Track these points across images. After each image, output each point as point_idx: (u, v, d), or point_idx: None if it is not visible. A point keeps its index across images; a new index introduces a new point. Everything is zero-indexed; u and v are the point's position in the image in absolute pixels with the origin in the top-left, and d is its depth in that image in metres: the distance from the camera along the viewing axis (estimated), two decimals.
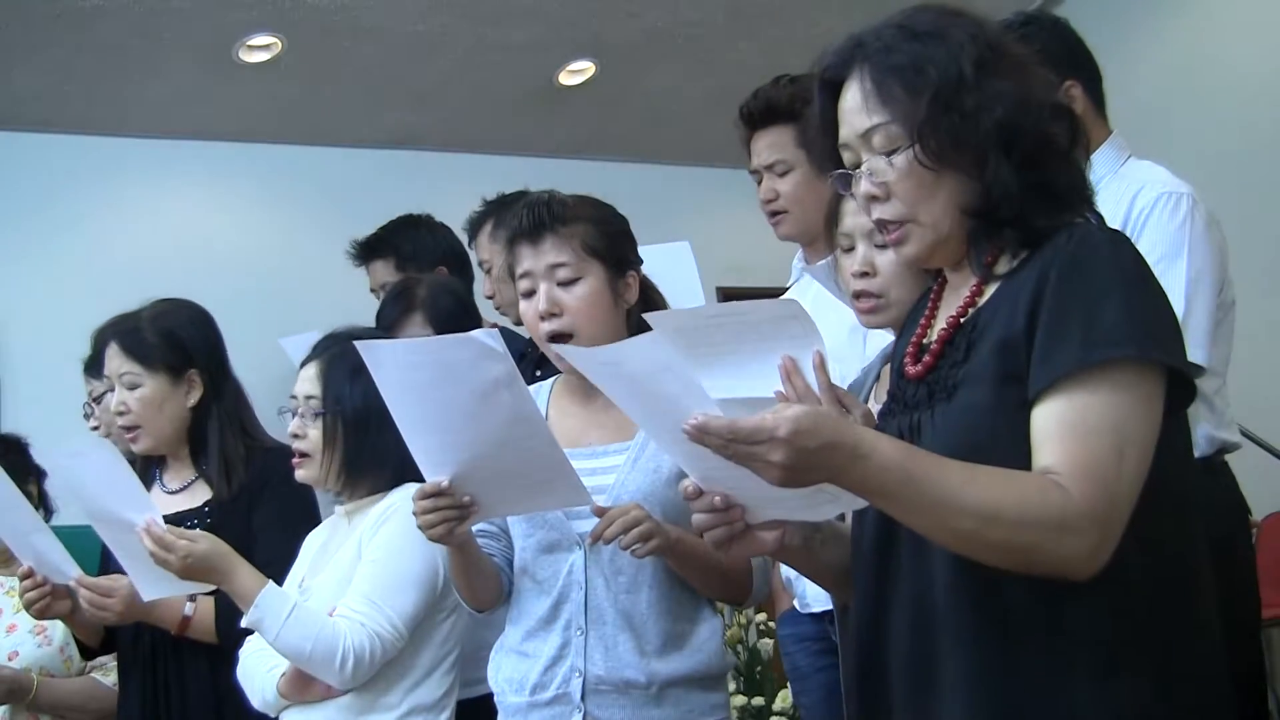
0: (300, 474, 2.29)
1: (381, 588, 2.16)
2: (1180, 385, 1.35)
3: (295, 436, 2.28)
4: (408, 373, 1.80)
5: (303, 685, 2.17)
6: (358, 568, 2.19)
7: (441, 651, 2.24)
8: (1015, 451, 1.32)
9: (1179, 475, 1.38)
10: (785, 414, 1.23)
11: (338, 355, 2.27)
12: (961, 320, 1.46)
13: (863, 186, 1.46)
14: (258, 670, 2.23)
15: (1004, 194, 1.39)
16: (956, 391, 1.40)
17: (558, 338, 2.05)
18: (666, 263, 2.56)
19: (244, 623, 2.16)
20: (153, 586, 2.25)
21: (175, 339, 2.62)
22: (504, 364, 1.74)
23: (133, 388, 2.59)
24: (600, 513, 1.91)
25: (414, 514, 1.90)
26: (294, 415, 2.29)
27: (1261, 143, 4.58)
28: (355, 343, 1.87)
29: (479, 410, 1.77)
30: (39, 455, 3.22)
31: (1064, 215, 1.42)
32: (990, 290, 1.44)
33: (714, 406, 1.27)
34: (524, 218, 2.09)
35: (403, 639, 2.16)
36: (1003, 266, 1.44)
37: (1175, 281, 2.17)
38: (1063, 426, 1.30)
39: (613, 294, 2.10)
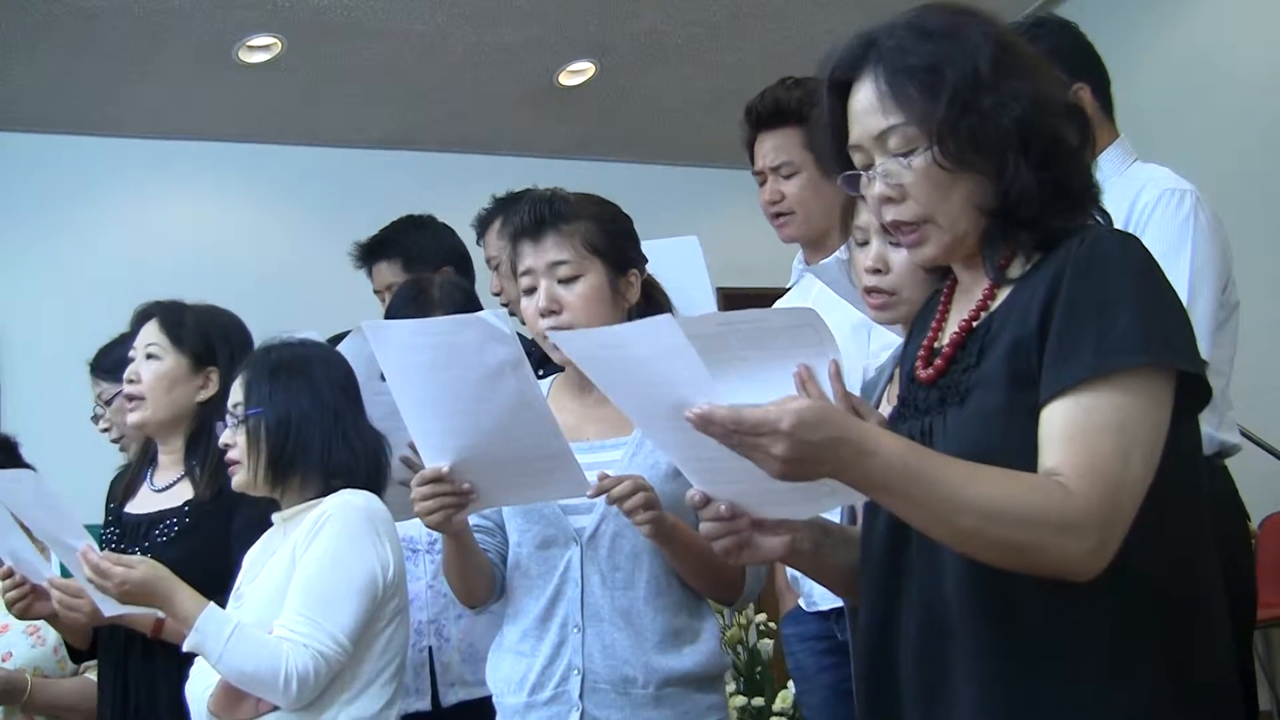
0: (234, 482, 2.29)
1: (320, 602, 2.12)
2: (1193, 388, 1.35)
3: (227, 446, 2.28)
4: (412, 354, 1.79)
5: (231, 704, 2.14)
6: (293, 580, 2.16)
7: (381, 662, 2.19)
8: (1027, 456, 1.31)
9: (1190, 477, 1.37)
10: (789, 407, 1.23)
11: (259, 362, 2.29)
12: (974, 324, 1.45)
13: (877, 188, 1.44)
14: (196, 690, 2.21)
15: (1023, 194, 1.38)
16: (969, 396, 1.39)
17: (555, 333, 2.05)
18: (674, 257, 2.55)
19: (185, 647, 2.13)
20: (111, 605, 2.25)
21: (208, 334, 2.64)
22: (510, 346, 1.74)
23: (152, 359, 2.61)
24: (603, 479, 1.90)
25: (412, 500, 1.89)
26: (226, 428, 2.29)
27: (1264, 143, 4.58)
28: (362, 324, 1.87)
29: (483, 394, 1.76)
30: (36, 454, 3.22)
31: (1077, 216, 1.41)
32: (1003, 294, 1.43)
33: (719, 396, 1.26)
34: (526, 215, 2.09)
35: (347, 653, 2.12)
36: (1016, 270, 1.43)
37: (1178, 276, 2.17)
38: (1069, 428, 1.29)
39: (613, 292, 2.10)
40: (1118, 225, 2.18)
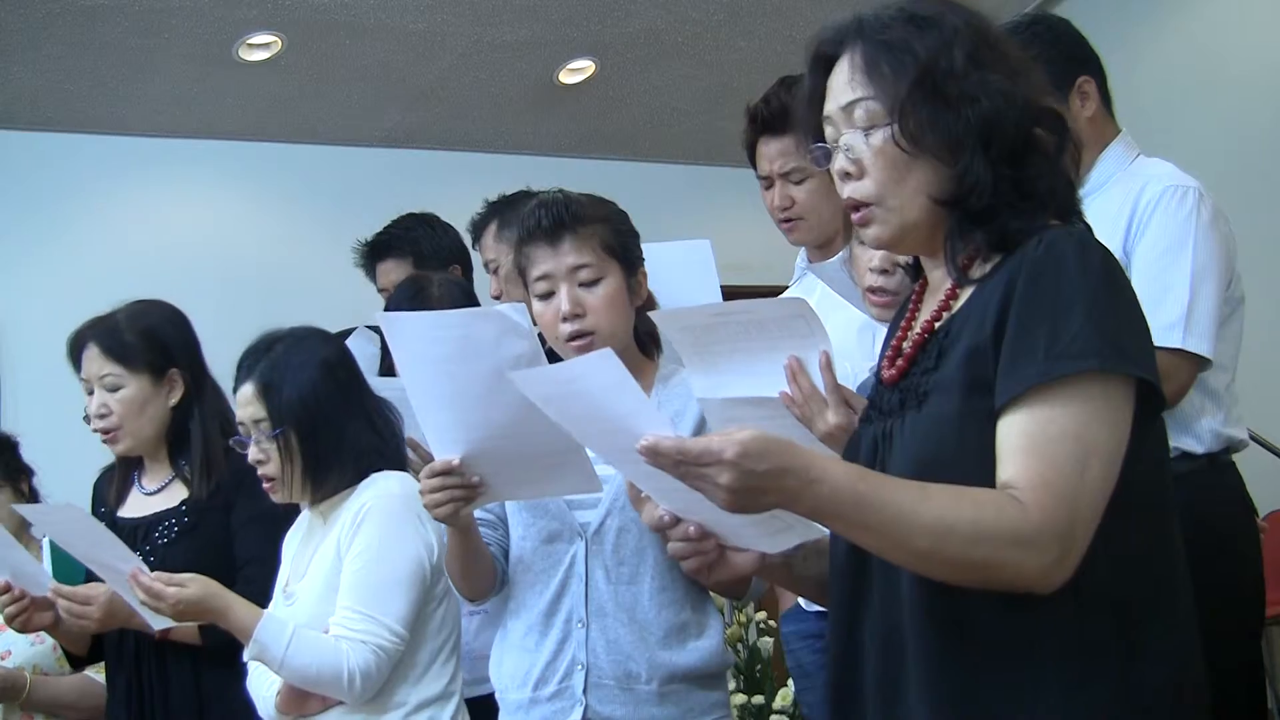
0: (276, 498, 2.28)
1: (372, 596, 2.14)
2: (1150, 395, 1.33)
3: (259, 463, 2.25)
4: (428, 347, 1.79)
5: (299, 701, 2.16)
6: (342, 575, 2.17)
7: (438, 641, 2.23)
8: (981, 462, 1.30)
9: (1152, 484, 1.35)
10: (734, 437, 1.22)
11: (267, 367, 2.26)
12: (936, 326, 1.44)
13: (838, 162, 1.45)
14: (260, 686, 2.23)
15: (974, 185, 1.37)
16: (926, 399, 1.38)
17: (579, 338, 2.04)
18: (686, 260, 2.55)
19: (246, 657, 2.16)
20: (161, 619, 2.25)
21: (156, 338, 2.58)
22: (528, 341, 1.75)
23: (114, 389, 2.55)
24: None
25: (421, 492, 1.89)
26: (248, 443, 2.26)
27: (1263, 142, 4.58)
28: (379, 315, 1.87)
29: (497, 387, 1.76)
30: (36, 454, 3.22)
31: (1039, 217, 1.39)
32: (965, 295, 1.42)
33: (666, 426, 1.25)
34: (541, 218, 2.06)
35: (404, 641, 2.15)
36: (977, 271, 1.42)
37: (1180, 273, 2.17)
38: (1024, 439, 1.28)
39: (629, 293, 2.10)
40: (1121, 220, 2.21)
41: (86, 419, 3.14)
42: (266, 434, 2.23)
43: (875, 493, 1.25)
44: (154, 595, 2.14)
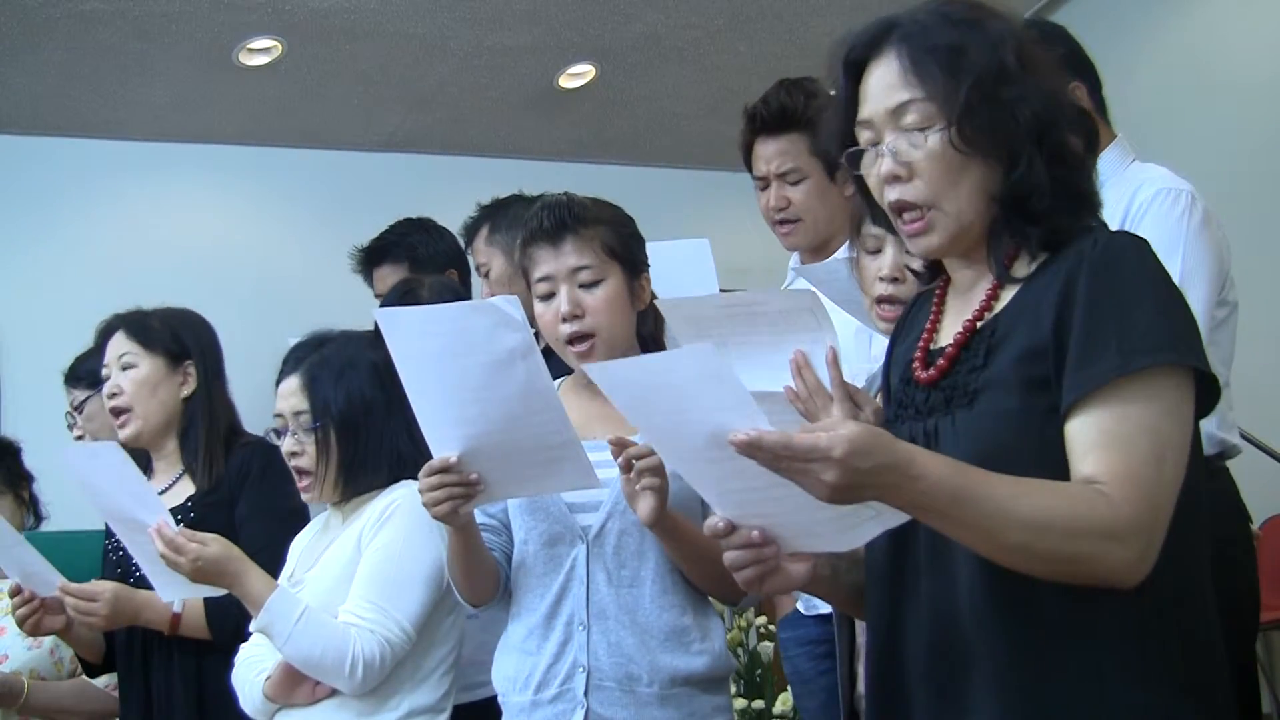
0: (306, 496, 2.28)
1: (387, 589, 2.14)
2: (1204, 390, 1.35)
3: (293, 454, 2.25)
4: (424, 341, 1.79)
5: (289, 688, 2.16)
6: (360, 566, 2.17)
7: (443, 651, 2.23)
8: (1039, 458, 1.32)
9: (1195, 479, 1.37)
10: (840, 433, 1.21)
11: (316, 363, 2.27)
12: (978, 324, 1.44)
13: (885, 165, 1.43)
14: (247, 676, 2.22)
15: (1037, 188, 1.39)
16: (977, 397, 1.39)
17: (578, 339, 2.05)
18: (685, 259, 2.55)
19: (253, 627, 2.16)
20: (171, 589, 2.24)
21: (178, 331, 2.65)
22: (522, 333, 1.74)
23: (128, 368, 2.59)
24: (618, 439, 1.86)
25: (419, 490, 1.88)
26: (284, 434, 2.27)
27: (1261, 146, 4.57)
28: (375, 310, 1.87)
29: (493, 381, 1.76)
30: (36, 459, 3.22)
31: (1083, 217, 1.42)
32: (1008, 294, 1.43)
33: (764, 420, 1.23)
34: (543, 219, 2.07)
35: (411, 640, 2.15)
36: (1021, 269, 1.43)
37: (1170, 274, 2.18)
38: (1104, 435, 1.29)
39: (630, 296, 2.10)
40: (1115, 224, 2.21)
41: (69, 426, 3.14)
42: (305, 426, 2.23)
43: (973, 487, 1.25)
44: (175, 549, 2.14)
